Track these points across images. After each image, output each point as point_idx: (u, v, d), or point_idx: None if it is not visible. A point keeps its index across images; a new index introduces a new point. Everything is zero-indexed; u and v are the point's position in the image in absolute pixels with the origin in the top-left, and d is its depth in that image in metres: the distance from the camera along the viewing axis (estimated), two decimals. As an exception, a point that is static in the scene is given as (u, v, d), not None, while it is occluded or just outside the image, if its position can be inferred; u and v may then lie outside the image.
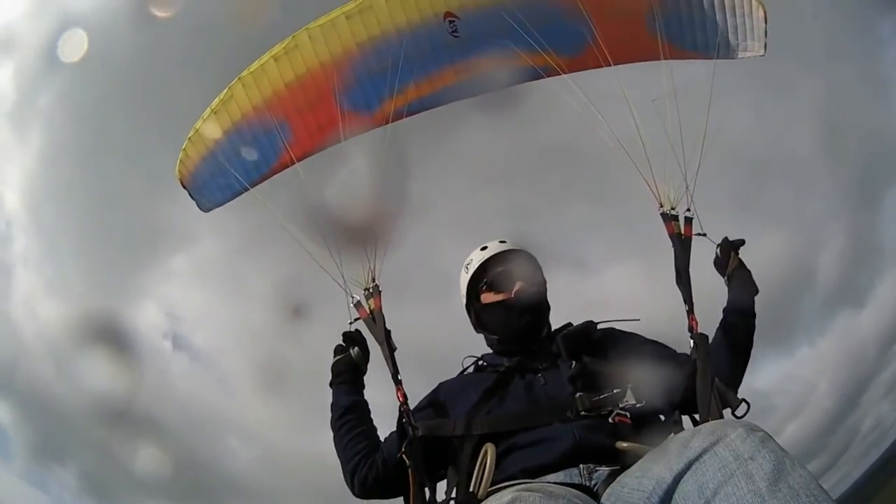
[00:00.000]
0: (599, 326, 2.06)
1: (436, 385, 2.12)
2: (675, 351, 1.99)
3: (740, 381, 1.96)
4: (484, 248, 2.22)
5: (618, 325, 2.09)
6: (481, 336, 2.27)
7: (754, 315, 2.03)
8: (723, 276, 2.10)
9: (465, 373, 2.13)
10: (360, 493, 2.00)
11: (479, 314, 2.21)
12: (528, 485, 1.44)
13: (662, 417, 1.78)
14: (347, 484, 2.03)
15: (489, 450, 1.65)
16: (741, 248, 2.12)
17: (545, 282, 2.22)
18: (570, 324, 2.10)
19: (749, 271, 2.08)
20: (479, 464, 1.63)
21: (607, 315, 2.09)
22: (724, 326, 2.02)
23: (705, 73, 2.48)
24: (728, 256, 2.09)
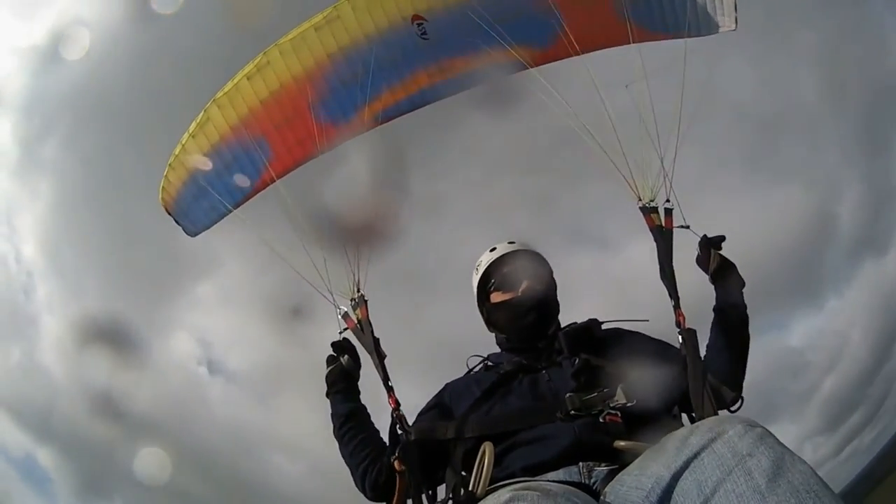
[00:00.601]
0: (604, 326, 2.08)
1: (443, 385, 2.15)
2: (678, 350, 1.95)
3: (743, 376, 1.95)
4: (493, 250, 2.26)
5: (624, 325, 2.10)
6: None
7: (745, 307, 2.02)
8: (707, 274, 2.08)
9: (472, 372, 2.16)
10: (373, 496, 2.02)
11: (489, 313, 2.25)
12: (527, 483, 1.44)
13: (657, 416, 1.75)
14: (359, 489, 2.05)
15: (487, 448, 1.65)
16: (721, 243, 2.08)
17: (553, 281, 2.24)
18: (575, 322, 2.11)
19: (733, 264, 2.05)
20: (478, 462, 1.63)
21: (618, 315, 2.11)
22: (717, 324, 2.02)
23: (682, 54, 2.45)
24: (708, 254, 2.07)
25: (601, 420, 1.70)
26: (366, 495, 2.04)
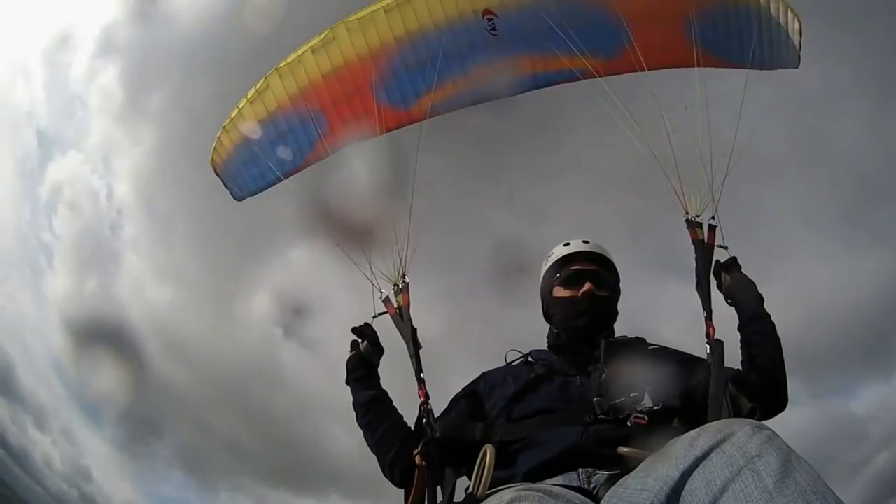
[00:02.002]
0: (650, 347, 2.10)
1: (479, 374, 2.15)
2: (706, 361, 1.97)
3: (783, 385, 1.96)
4: (566, 245, 2.27)
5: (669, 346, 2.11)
6: None
7: (764, 318, 2.04)
8: (724, 297, 2.14)
9: (512, 364, 2.16)
10: (401, 484, 2.01)
11: (548, 306, 2.26)
12: (529, 484, 1.46)
13: (677, 422, 1.76)
14: (387, 476, 2.05)
15: (489, 451, 1.67)
16: (733, 263, 2.16)
17: (618, 289, 2.25)
18: (624, 336, 2.15)
19: (749, 280, 2.11)
20: (479, 464, 1.65)
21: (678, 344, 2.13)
22: (741, 342, 2.04)
23: (748, 83, 2.49)
24: (719, 278, 2.14)
25: (629, 424, 1.72)
26: (394, 483, 2.04)
